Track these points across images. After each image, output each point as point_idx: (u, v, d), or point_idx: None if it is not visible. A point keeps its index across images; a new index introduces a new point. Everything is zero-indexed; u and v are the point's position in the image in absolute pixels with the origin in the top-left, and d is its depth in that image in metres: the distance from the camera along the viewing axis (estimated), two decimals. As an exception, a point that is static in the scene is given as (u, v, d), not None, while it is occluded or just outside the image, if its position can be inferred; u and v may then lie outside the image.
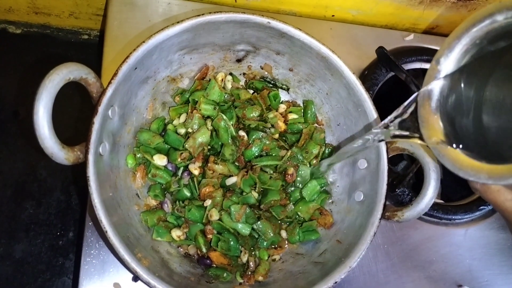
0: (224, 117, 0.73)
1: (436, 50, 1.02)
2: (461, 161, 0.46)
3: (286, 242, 0.76)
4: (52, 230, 0.93)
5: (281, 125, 0.77)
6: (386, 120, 0.57)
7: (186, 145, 0.72)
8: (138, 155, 0.73)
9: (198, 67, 0.77)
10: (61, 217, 0.93)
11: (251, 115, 0.76)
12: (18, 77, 0.99)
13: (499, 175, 0.41)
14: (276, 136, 0.77)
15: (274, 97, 0.79)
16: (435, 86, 0.50)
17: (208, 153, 0.75)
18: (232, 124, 0.74)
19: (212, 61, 0.77)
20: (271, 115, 0.77)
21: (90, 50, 1.07)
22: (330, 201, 0.78)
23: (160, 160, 0.73)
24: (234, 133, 0.74)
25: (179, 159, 0.72)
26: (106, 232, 0.57)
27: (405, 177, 0.86)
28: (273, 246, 0.75)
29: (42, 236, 0.92)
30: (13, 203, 0.93)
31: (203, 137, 0.73)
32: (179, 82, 0.77)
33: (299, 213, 0.75)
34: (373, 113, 0.70)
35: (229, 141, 0.73)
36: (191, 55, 0.73)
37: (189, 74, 0.77)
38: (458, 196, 0.98)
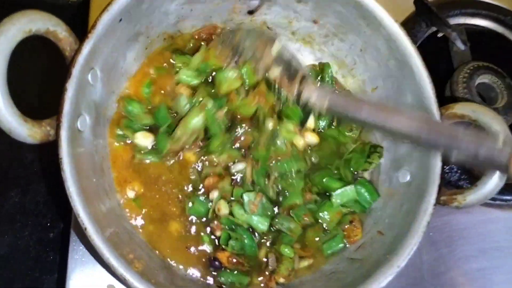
0: (210, 103, 0.59)
1: (483, 2, 0.93)
2: None
3: None
4: (41, 221, 0.84)
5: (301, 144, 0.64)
6: None
7: (177, 133, 0.59)
8: (118, 131, 0.60)
9: (201, 22, 0.66)
10: (50, 205, 0.84)
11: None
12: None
13: None
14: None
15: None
16: None
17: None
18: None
19: (218, 13, 0.66)
20: (286, 129, 0.63)
21: (81, 15, 0.95)
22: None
23: (144, 138, 0.59)
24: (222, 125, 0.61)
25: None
26: (85, 229, 0.46)
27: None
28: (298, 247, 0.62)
29: (30, 228, 0.83)
30: None
31: (196, 120, 0.59)
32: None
33: (323, 216, 0.63)
34: (422, 72, 0.59)
35: (219, 131, 0.60)
36: (192, 5, 0.62)
37: (190, 30, 0.66)
38: None
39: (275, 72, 0.60)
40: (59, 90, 0.48)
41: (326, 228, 0.63)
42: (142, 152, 0.59)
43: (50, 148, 0.51)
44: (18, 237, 0.83)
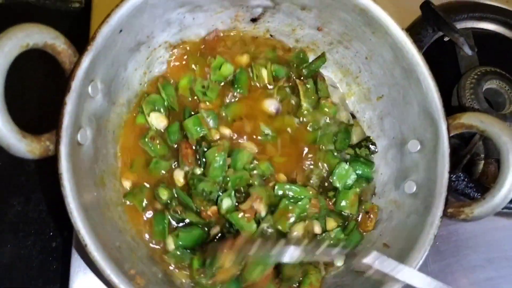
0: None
1: (491, 6, 0.91)
2: None
3: None
4: (44, 229, 0.83)
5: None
6: None
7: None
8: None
9: (205, 30, 0.65)
10: (54, 214, 0.84)
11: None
12: None
13: None
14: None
15: None
16: None
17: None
18: None
19: (221, 21, 0.64)
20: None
21: (83, 19, 0.94)
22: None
23: (157, 120, 0.61)
24: None
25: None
26: (86, 246, 0.45)
27: (461, 159, 0.75)
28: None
29: (33, 237, 0.83)
30: None
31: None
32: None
33: (343, 209, 0.63)
34: (428, 81, 0.58)
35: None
36: (194, 13, 0.61)
37: (193, 39, 0.65)
38: None
39: None
40: (58, 103, 0.47)
41: (348, 214, 0.64)
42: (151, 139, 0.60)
43: (52, 158, 0.51)
44: (21, 246, 0.83)
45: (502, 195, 0.53)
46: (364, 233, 0.64)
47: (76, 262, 0.64)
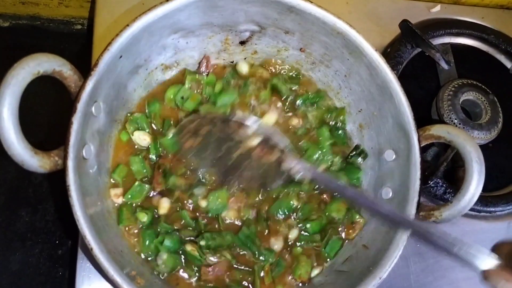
0: None
1: (467, 22, 0.95)
2: None
3: None
4: (50, 238, 0.88)
5: None
6: None
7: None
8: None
9: (198, 53, 0.70)
10: (59, 224, 0.89)
11: None
12: (9, 74, 0.93)
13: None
14: None
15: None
16: None
17: None
18: None
19: (212, 44, 0.69)
20: None
21: (85, 41, 0.99)
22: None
23: (139, 138, 0.64)
24: None
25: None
26: (92, 249, 0.50)
27: (438, 167, 0.78)
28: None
29: (40, 246, 0.87)
30: (7, 211, 0.88)
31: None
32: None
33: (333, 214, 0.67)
34: (400, 96, 0.62)
35: None
36: (187, 38, 0.66)
37: (187, 61, 0.69)
38: (496, 185, 0.88)
39: (254, 142, 0.61)
40: (65, 123, 0.51)
41: (337, 219, 0.66)
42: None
43: (60, 171, 0.55)
44: (29, 254, 0.87)
45: (467, 200, 0.57)
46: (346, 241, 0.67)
47: (82, 268, 0.66)
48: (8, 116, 0.46)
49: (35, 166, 0.49)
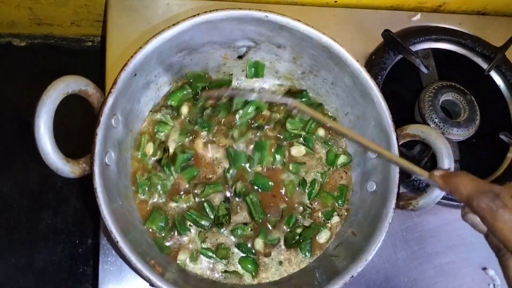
0: None
1: (445, 29, 1.02)
2: None
3: None
4: (70, 238, 0.94)
5: None
6: None
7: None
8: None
9: (200, 68, 0.76)
10: (78, 224, 0.94)
11: None
12: (27, 89, 0.99)
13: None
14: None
15: None
16: None
17: None
18: None
19: (213, 59, 0.75)
20: None
21: (95, 57, 1.06)
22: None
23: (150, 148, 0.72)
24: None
25: None
26: (117, 242, 0.57)
27: (420, 161, 0.85)
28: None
29: (62, 245, 0.93)
30: (30, 213, 0.94)
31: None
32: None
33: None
34: (380, 101, 0.68)
35: None
36: (191, 55, 0.72)
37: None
38: (479, 176, 0.94)
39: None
40: (90, 134, 0.58)
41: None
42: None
43: (81, 177, 0.61)
44: (52, 253, 0.93)
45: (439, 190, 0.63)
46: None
47: (103, 263, 0.72)
48: (44, 131, 0.53)
49: (67, 172, 0.56)
